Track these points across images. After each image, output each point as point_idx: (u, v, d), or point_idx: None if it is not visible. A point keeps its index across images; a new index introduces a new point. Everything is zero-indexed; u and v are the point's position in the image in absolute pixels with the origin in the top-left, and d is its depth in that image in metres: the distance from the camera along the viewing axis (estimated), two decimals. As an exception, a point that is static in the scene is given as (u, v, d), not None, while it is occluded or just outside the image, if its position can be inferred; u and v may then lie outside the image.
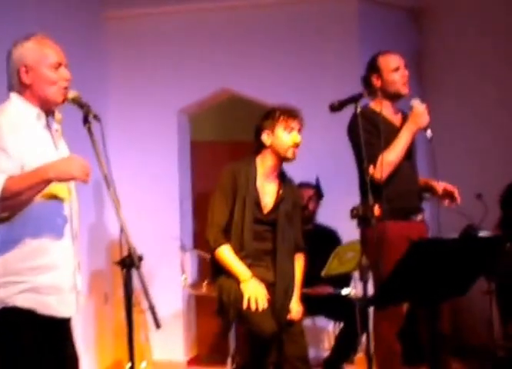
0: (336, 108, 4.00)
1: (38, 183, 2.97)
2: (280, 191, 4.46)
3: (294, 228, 4.49)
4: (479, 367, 5.96)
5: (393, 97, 4.57)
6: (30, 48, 3.19)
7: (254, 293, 4.22)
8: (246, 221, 4.34)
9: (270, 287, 4.32)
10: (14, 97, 3.19)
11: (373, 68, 4.58)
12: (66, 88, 3.22)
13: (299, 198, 4.75)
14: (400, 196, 4.47)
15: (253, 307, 4.20)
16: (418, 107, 4.44)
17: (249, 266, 4.31)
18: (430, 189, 4.69)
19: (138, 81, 7.14)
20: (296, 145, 4.41)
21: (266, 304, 4.23)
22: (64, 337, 3.24)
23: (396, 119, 4.60)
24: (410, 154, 4.55)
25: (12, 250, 3.04)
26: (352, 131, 4.47)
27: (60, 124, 3.32)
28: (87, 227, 6.44)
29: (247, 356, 4.34)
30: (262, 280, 4.31)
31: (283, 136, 4.39)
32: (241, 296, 4.25)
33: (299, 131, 4.43)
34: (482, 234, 3.68)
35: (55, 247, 3.13)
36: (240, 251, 4.32)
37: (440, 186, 4.63)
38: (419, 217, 4.59)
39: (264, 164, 4.45)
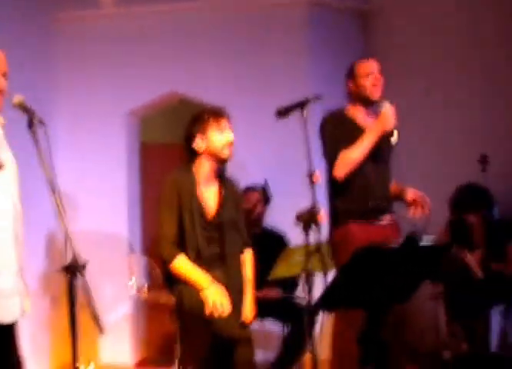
0: (282, 113, 4.03)
1: None
2: (222, 192, 4.46)
3: (239, 227, 4.48)
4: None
5: (366, 101, 4.65)
6: None
7: (218, 298, 4.20)
8: (197, 229, 4.31)
9: (227, 290, 4.30)
10: None
11: (349, 73, 4.69)
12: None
13: (240, 196, 4.70)
14: (364, 198, 4.52)
15: (218, 312, 4.18)
16: (387, 109, 4.51)
17: (207, 271, 4.29)
18: (401, 196, 4.75)
19: (87, 83, 7.10)
20: (230, 144, 4.39)
21: (230, 308, 4.23)
22: (8, 343, 3.19)
23: (367, 123, 4.63)
24: (380, 156, 4.59)
25: None
26: (320, 131, 4.58)
27: (3, 129, 3.27)
28: (37, 232, 6.38)
29: (199, 360, 4.31)
30: (220, 283, 4.28)
31: (217, 137, 4.36)
32: (202, 302, 4.21)
33: (230, 129, 4.41)
34: (425, 240, 3.67)
35: None
36: (196, 259, 4.29)
37: (410, 193, 4.71)
38: (385, 220, 4.61)
39: (201, 169, 4.40)
